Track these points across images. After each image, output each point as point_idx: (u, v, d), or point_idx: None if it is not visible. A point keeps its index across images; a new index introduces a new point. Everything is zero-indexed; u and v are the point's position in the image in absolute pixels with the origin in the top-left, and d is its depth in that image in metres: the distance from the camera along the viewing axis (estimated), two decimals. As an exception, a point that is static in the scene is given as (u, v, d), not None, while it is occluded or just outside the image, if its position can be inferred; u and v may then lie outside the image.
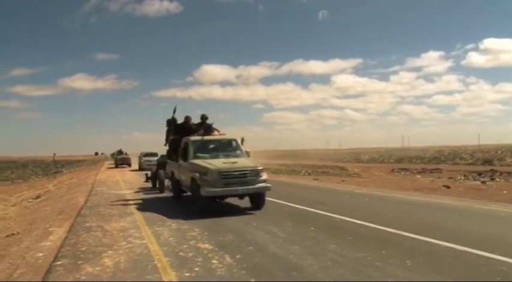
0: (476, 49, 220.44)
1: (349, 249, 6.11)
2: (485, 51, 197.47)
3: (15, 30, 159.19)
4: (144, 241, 7.10)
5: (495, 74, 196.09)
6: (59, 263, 5.87)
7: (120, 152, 49.59)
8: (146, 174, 20.52)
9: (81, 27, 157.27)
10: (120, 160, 43.89)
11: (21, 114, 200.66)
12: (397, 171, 36.27)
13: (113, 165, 46.66)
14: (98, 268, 5.53)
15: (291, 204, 11.21)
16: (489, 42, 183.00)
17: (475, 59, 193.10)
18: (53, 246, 7.04)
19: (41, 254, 6.51)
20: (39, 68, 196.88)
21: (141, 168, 32.06)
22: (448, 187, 16.36)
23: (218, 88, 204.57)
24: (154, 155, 30.21)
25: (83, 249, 6.65)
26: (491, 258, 5.45)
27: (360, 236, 7.13)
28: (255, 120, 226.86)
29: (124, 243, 7.00)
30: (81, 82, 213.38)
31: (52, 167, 51.76)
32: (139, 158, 35.41)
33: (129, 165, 41.68)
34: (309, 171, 32.85)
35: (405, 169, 37.98)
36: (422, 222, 8.32)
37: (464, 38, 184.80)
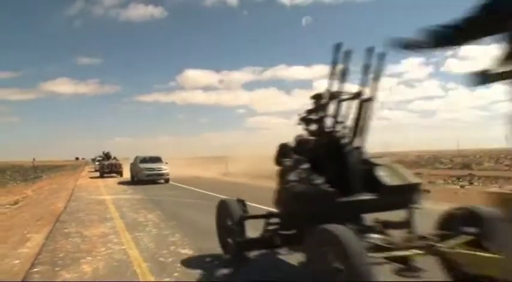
0: (455, 56, 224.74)
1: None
2: (464, 58, 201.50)
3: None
4: (123, 247, 7.03)
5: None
6: (35, 270, 5.77)
7: (107, 156, 39.32)
8: None
9: (65, 31, 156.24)
10: (108, 167, 33.50)
11: (1, 118, 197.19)
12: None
13: (95, 172, 40.19)
14: (75, 275, 5.46)
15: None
16: (467, 49, 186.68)
17: (453, 65, 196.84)
18: (30, 252, 6.92)
19: (17, 261, 6.39)
20: (21, 71, 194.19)
21: (136, 179, 24.68)
22: (428, 191, 16.57)
23: (201, 93, 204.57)
24: (157, 160, 25.60)
25: (61, 255, 6.55)
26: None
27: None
28: (238, 125, 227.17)
29: (103, 249, 6.92)
30: (63, 86, 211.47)
31: (31, 173, 50.92)
32: (134, 164, 26.00)
33: (120, 174, 32.85)
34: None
35: (386, 174, 38.37)
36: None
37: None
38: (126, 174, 29.11)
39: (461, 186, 20.37)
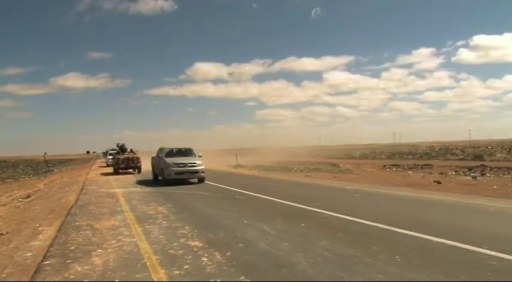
0: (466, 46, 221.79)
1: (339, 245, 6.13)
2: (475, 48, 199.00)
3: (9, 29, 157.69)
4: (134, 239, 7.06)
5: (485, 70, 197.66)
6: (47, 262, 5.82)
7: (122, 149, 31.09)
8: None
9: (75, 26, 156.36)
10: (124, 162, 27.89)
11: (13, 113, 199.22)
12: (388, 167, 36.42)
13: (107, 168, 36.44)
14: (86, 267, 5.49)
15: (282, 201, 11.22)
16: (479, 39, 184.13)
17: (465, 55, 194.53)
18: (42, 245, 6.98)
19: (29, 254, 6.45)
20: (32, 67, 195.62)
21: (160, 178, 19.44)
22: (439, 182, 16.47)
23: (211, 86, 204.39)
24: (189, 153, 20.10)
25: (72, 248, 6.60)
26: (481, 253, 5.47)
27: (350, 232, 7.15)
28: (247, 117, 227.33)
29: (114, 241, 6.96)
30: (74, 81, 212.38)
31: (43, 166, 51.48)
32: (158, 159, 20.34)
33: (139, 169, 27.82)
34: (301, 168, 32.86)
35: (397, 165, 38.18)
36: (412, 217, 8.37)
37: (455, 34, 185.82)
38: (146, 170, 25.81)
39: (473, 178, 20.16)
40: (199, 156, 19.73)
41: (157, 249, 6.29)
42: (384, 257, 5.40)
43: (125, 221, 8.95)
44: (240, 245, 6.40)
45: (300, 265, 5.22)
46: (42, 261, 5.91)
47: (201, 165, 18.63)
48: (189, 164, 18.42)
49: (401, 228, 7.12)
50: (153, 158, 21.64)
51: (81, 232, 7.92)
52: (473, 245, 5.80)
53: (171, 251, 6.13)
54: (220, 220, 8.74)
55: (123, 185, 18.36)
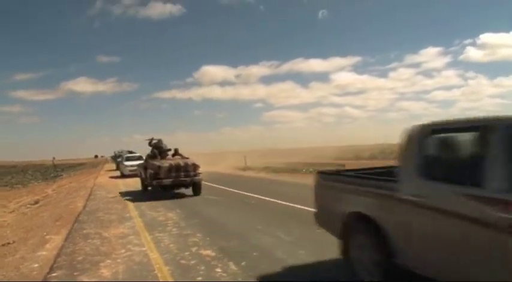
0: (473, 44, 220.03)
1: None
2: (483, 46, 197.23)
3: (18, 35, 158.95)
4: (143, 248, 6.80)
5: (493, 69, 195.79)
6: (54, 274, 5.57)
7: (158, 148, 16.66)
8: None
9: (85, 31, 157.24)
10: (172, 173, 14.20)
11: (23, 119, 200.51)
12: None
13: (115, 172, 33.98)
14: (94, 280, 5.24)
15: (293, 205, 10.92)
16: (486, 37, 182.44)
17: (472, 54, 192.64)
18: (48, 255, 6.74)
19: (36, 265, 6.21)
20: (42, 72, 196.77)
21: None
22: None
23: (218, 88, 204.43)
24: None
25: (80, 258, 6.35)
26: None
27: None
28: (254, 119, 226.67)
29: (123, 251, 6.70)
30: (83, 85, 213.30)
31: (52, 171, 51.51)
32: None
33: (197, 187, 14.78)
34: (310, 169, 32.47)
35: (407, 165, 37.64)
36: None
37: (462, 33, 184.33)
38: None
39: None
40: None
41: (168, 259, 6.02)
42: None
43: (134, 229, 8.70)
44: (254, 253, 6.11)
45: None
46: (48, 273, 5.67)
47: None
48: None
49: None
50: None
51: (89, 241, 7.67)
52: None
53: (182, 261, 5.85)
54: (232, 226, 8.47)
55: (131, 190, 18.14)
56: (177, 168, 14.25)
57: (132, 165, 25.74)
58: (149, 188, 15.41)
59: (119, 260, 6.11)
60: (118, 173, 30.69)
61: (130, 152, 37.60)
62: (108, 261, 6.10)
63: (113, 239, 7.69)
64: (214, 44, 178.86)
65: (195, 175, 14.42)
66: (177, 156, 16.27)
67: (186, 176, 14.24)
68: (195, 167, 14.51)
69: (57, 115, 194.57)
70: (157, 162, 14.69)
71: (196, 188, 14.64)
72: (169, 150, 16.62)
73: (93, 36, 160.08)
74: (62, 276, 5.49)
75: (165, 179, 13.93)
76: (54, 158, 63.97)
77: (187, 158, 15.58)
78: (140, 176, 17.75)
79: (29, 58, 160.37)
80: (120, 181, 24.87)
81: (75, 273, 5.54)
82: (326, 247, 6.24)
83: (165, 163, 14.45)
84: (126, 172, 27.16)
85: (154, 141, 16.92)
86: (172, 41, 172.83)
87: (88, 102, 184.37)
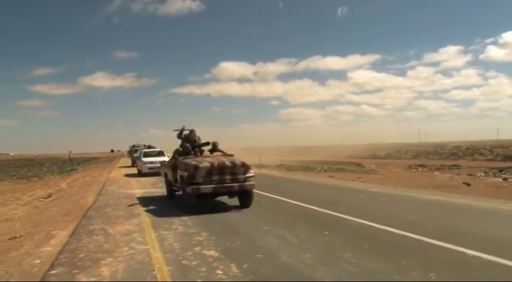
0: (495, 43, 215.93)
1: (366, 258, 5.61)
2: (505, 45, 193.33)
3: (38, 30, 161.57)
4: (146, 247, 6.69)
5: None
6: (53, 272, 5.49)
7: (190, 141, 12.54)
8: None
9: (104, 27, 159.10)
10: (212, 177, 10.27)
11: (42, 113, 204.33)
12: (414, 168, 35.42)
13: (131, 168, 31.67)
14: (93, 279, 5.14)
15: (305, 205, 10.73)
16: (508, 36, 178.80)
17: (494, 53, 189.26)
18: (52, 251, 6.68)
19: (38, 261, 6.15)
20: (61, 67, 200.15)
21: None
22: (469, 184, 15.72)
23: (236, 85, 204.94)
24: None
25: (82, 256, 6.26)
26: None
27: (377, 242, 6.61)
28: (271, 116, 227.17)
29: (126, 249, 6.61)
30: (101, 80, 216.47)
31: (68, 165, 52.11)
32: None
33: (248, 195, 10.77)
34: (325, 168, 32.21)
35: (423, 165, 37.13)
36: (445, 226, 7.76)
37: (483, 32, 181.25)
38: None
39: (505, 179, 19.24)
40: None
41: (170, 259, 5.90)
42: (416, 274, 4.88)
43: (140, 226, 8.62)
44: (258, 255, 5.95)
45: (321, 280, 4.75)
46: (48, 270, 5.60)
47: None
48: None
49: (433, 238, 6.55)
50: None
51: (94, 237, 7.61)
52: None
53: (184, 262, 5.72)
54: (238, 226, 8.33)
55: (143, 185, 18.14)
56: (221, 169, 10.34)
57: (152, 162, 23.38)
58: (177, 193, 12.36)
59: (120, 258, 6.01)
60: (134, 170, 28.29)
61: (149, 147, 35.22)
62: (110, 259, 6.00)
63: (118, 236, 7.60)
64: (233, 40, 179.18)
65: (246, 179, 10.47)
66: (217, 153, 12.22)
67: (233, 181, 10.34)
68: (246, 168, 10.61)
69: (76, 109, 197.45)
70: (193, 161, 10.81)
71: (247, 198, 10.69)
72: (207, 143, 12.60)
73: (112, 32, 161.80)
74: (61, 273, 5.41)
75: (204, 185, 10.13)
76: (70, 152, 64.81)
77: (231, 155, 11.80)
78: (166, 179, 13.71)
79: (49, 53, 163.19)
80: (133, 178, 24.75)
81: (74, 271, 5.46)
82: (333, 252, 6.08)
83: (204, 162, 10.51)
84: (145, 170, 24.02)
85: (185, 132, 12.96)
86: (191, 37, 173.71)
87: (106, 97, 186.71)
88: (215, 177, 10.19)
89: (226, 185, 10.23)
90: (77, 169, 44.82)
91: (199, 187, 10.06)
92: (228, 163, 10.47)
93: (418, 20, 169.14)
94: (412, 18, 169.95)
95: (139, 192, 15.55)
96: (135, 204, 12.10)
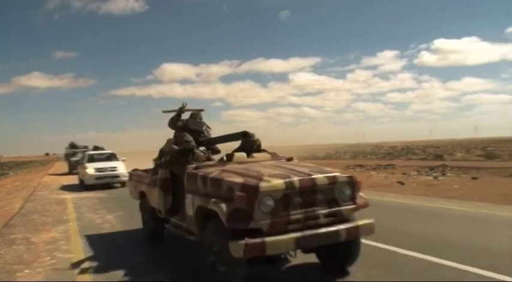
0: (428, 49, 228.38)
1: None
2: (437, 51, 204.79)
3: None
4: (71, 255, 6.32)
5: (445, 73, 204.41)
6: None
7: (198, 132, 6.85)
8: None
9: (43, 25, 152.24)
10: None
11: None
12: (352, 168, 36.37)
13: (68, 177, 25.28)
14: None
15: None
16: (440, 43, 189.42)
17: (427, 58, 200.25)
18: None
19: None
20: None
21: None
22: (402, 183, 16.29)
23: (178, 86, 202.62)
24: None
25: (-5, 268, 5.80)
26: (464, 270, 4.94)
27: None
28: (214, 118, 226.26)
29: (47, 258, 6.19)
30: (37, 80, 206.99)
31: (-2, 170, 49.06)
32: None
33: None
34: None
35: (360, 165, 38.20)
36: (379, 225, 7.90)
37: (418, 38, 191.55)
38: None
39: (435, 177, 20.20)
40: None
41: (94, 266, 5.59)
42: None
43: (66, 233, 8.16)
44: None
45: None
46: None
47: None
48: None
49: (365, 238, 6.62)
50: None
51: (14, 247, 7.10)
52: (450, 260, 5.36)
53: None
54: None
55: (75, 190, 17.32)
56: (309, 193, 4.32)
57: (101, 169, 17.57)
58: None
59: (39, 269, 5.60)
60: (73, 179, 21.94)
61: (96, 148, 26.12)
62: (27, 271, 5.58)
63: (41, 245, 7.13)
64: (176, 41, 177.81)
65: (351, 210, 4.66)
66: (262, 155, 6.01)
67: (334, 219, 4.44)
68: (355, 186, 4.69)
69: (9, 110, 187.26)
70: (234, 175, 4.57)
71: (354, 250, 4.91)
72: (233, 136, 6.60)
73: (51, 31, 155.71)
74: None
75: (274, 234, 4.02)
76: (1, 156, 61.18)
77: (290, 159, 5.98)
78: (142, 204, 7.48)
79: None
80: (66, 181, 23.60)
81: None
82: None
83: (267, 176, 4.33)
84: (91, 181, 17.27)
85: (187, 117, 7.30)
86: (134, 38, 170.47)
87: (42, 97, 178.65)
88: (297, 213, 4.23)
89: (321, 231, 4.22)
90: (8, 174, 42.27)
91: (263, 241, 3.92)
92: (320, 180, 4.41)
93: (357, 24, 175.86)
94: (352, 23, 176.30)
95: (70, 197, 14.81)
96: (65, 209, 11.50)
